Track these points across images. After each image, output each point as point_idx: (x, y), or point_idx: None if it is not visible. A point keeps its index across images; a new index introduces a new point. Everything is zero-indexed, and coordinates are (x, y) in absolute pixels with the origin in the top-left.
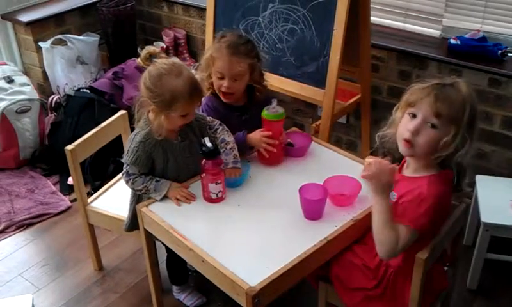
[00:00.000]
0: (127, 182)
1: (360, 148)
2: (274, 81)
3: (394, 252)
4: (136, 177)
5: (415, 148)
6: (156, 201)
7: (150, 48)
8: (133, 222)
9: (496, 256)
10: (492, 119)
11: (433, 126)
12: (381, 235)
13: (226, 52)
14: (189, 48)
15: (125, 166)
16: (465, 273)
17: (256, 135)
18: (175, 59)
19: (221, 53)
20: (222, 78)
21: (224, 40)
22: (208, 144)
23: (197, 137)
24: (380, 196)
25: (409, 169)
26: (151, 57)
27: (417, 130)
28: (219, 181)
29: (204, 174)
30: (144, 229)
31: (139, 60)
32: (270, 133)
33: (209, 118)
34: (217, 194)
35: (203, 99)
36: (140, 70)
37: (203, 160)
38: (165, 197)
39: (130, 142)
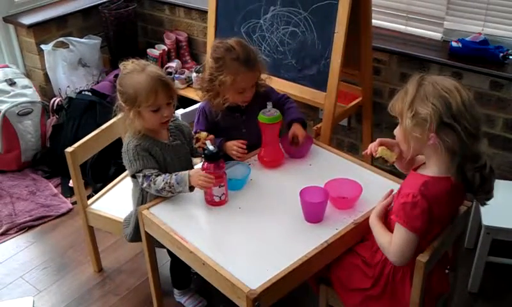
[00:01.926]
0: (148, 187)
1: (361, 151)
2: (276, 84)
3: (393, 252)
4: (155, 176)
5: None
6: (157, 203)
7: (126, 62)
8: (136, 234)
9: (498, 259)
10: (494, 122)
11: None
12: (379, 242)
13: (245, 69)
14: (191, 50)
15: (139, 176)
16: (466, 276)
17: (229, 143)
18: (142, 60)
19: (242, 73)
20: (243, 91)
21: (233, 57)
22: (210, 147)
23: (186, 140)
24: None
25: (422, 166)
26: (121, 68)
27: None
28: (222, 184)
29: None
30: (145, 232)
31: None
32: (243, 145)
33: None
34: (220, 197)
35: (199, 104)
36: None
37: (205, 163)
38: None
39: (127, 154)
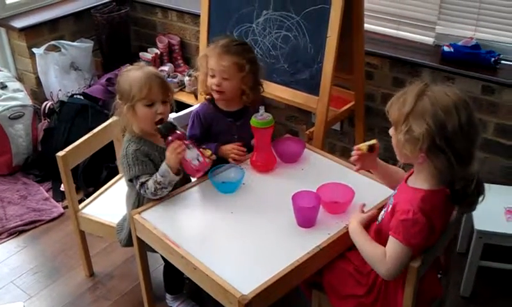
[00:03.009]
0: (145, 193)
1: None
2: (268, 88)
3: (389, 267)
4: (146, 182)
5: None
6: (149, 208)
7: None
8: (131, 238)
9: (490, 264)
10: (485, 126)
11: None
12: (366, 253)
13: (218, 51)
14: (183, 54)
15: (136, 183)
16: (459, 280)
17: (227, 147)
18: (142, 63)
19: (213, 51)
20: (213, 76)
21: (218, 40)
22: (166, 122)
23: None
24: (350, 224)
25: (412, 178)
26: None
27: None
28: (190, 146)
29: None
30: (137, 236)
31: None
32: (243, 148)
33: None
34: (197, 159)
35: (193, 108)
36: None
37: (167, 139)
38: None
39: (125, 158)
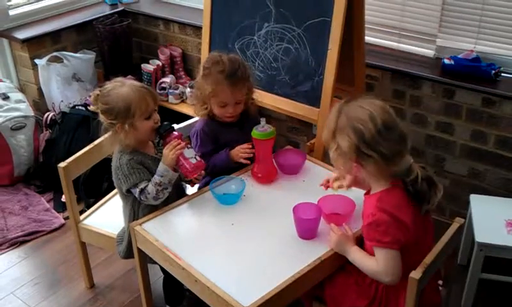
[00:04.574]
0: (146, 199)
1: None
2: (269, 100)
3: (383, 273)
4: (146, 188)
5: None
6: (150, 219)
7: (95, 92)
8: (130, 250)
9: (491, 276)
10: (486, 138)
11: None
12: (366, 270)
13: (227, 83)
14: (185, 66)
15: (135, 191)
16: (460, 293)
17: (236, 150)
18: (115, 79)
19: (222, 85)
20: (224, 106)
21: (219, 69)
22: (164, 123)
23: None
24: (347, 252)
25: (371, 189)
26: (98, 96)
27: None
28: (189, 146)
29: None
30: (138, 248)
31: (92, 107)
32: (249, 145)
33: None
34: (195, 158)
35: (197, 124)
36: None
37: (166, 139)
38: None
39: (120, 169)
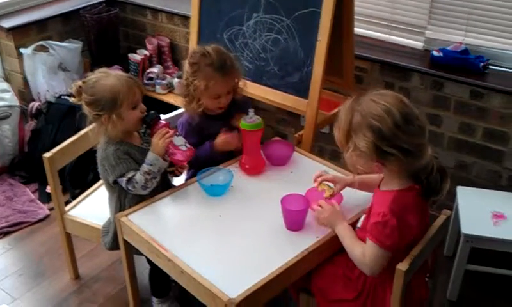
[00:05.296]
0: (134, 188)
1: (343, 157)
2: (258, 91)
3: (367, 266)
4: (133, 177)
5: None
6: (136, 210)
7: (77, 84)
8: (115, 242)
9: (477, 267)
10: (474, 131)
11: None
12: (352, 253)
13: (219, 75)
14: (173, 56)
15: (121, 181)
16: (445, 284)
17: (220, 138)
18: (98, 69)
19: (214, 79)
20: (218, 97)
21: (208, 62)
22: (150, 112)
23: None
24: (338, 226)
25: (383, 182)
26: (81, 88)
27: None
28: (178, 133)
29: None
30: (123, 239)
31: (74, 99)
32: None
33: None
34: (185, 145)
35: (183, 116)
36: None
37: (153, 128)
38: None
39: (106, 160)
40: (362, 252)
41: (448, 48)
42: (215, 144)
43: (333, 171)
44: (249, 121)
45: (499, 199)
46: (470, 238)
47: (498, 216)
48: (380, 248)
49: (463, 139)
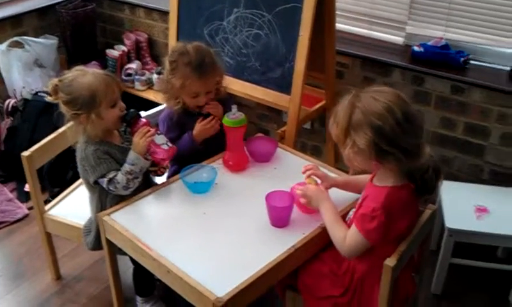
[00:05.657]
0: (115, 189)
1: (324, 153)
2: (239, 86)
3: (346, 250)
4: (115, 177)
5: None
6: (118, 209)
7: (53, 82)
8: (98, 241)
9: (461, 261)
10: (454, 125)
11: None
12: (331, 233)
13: (195, 76)
14: (151, 52)
15: (102, 181)
16: (430, 278)
17: (197, 127)
18: (75, 67)
19: (191, 79)
20: (196, 96)
21: (186, 61)
22: (130, 111)
23: None
24: (321, 205)
25: (376, 177)
26: (57, 86)
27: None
28: (159, 132)
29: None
30: (106, 239)
31: (50, 98)
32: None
33: None
34: (167, 144)
35: (164, 111)
36: None
37: (133, 128)
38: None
39: (86, 160)
40: (343, 236)
41: (429, 43)
42: (194, 135)
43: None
44: (233, 117)
45: (482, 193)
46: (454, 232)
47: (481, 210)
48: (364, 238)
49: (444, 133)
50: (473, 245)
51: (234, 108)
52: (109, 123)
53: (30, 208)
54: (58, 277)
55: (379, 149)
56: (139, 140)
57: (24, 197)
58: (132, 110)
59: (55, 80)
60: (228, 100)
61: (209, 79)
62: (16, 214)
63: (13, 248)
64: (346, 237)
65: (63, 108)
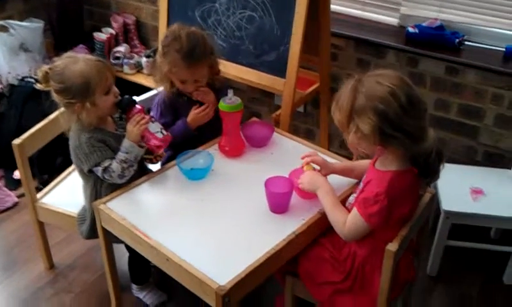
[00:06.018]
0: (110, 177)
1: (318, 136)
2: (233, 70)
3: (346, 233)
4: (110, 166)
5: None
6: (115, 197)
7: (43, 69)
8: (93, 230)
9: (456, 243)
10: (449, 107)
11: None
12: (331, 217)
13: (183, 64)
14: (140, 34)
15: (97, 170)
16: (426, 260)
17: (191, 115)
18: (65, 54)
19: (178, 66)
20: (184, 82)
21: (176, 48)
22: (125, 97)
23: None
24: (319, 189)
25: (379, 161)
26: (47, 74)
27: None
28: (153, 119)
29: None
30: (102, 227)
31: (40, 86)
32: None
33: None
34: (161, 131)
35: (159, 94)
36: None
37: (128, 114)
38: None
39: (80, 148)
40: (343, 220)
41: (424, 24)
42: (188, 122)
43: (308, 150)
44: (229, 102)
45: (477, 175)
46: (451, 214)
47: (477, 192)
48: (364, 222)
49: (438, 115)
50: (467, 227)
51: (230, 93)
52: (104, 110)
53: (20, 196)
54: (51, 266)
55: (384, 134)
56: (133, 128)
57: (13, 184)
58: (126, 96)
59: (45, 68)
60: (224, 86)
61: (198, 69)
62: (5, 202)
63: (3, 237)
64: (346, 221)
65: (56, 97)
